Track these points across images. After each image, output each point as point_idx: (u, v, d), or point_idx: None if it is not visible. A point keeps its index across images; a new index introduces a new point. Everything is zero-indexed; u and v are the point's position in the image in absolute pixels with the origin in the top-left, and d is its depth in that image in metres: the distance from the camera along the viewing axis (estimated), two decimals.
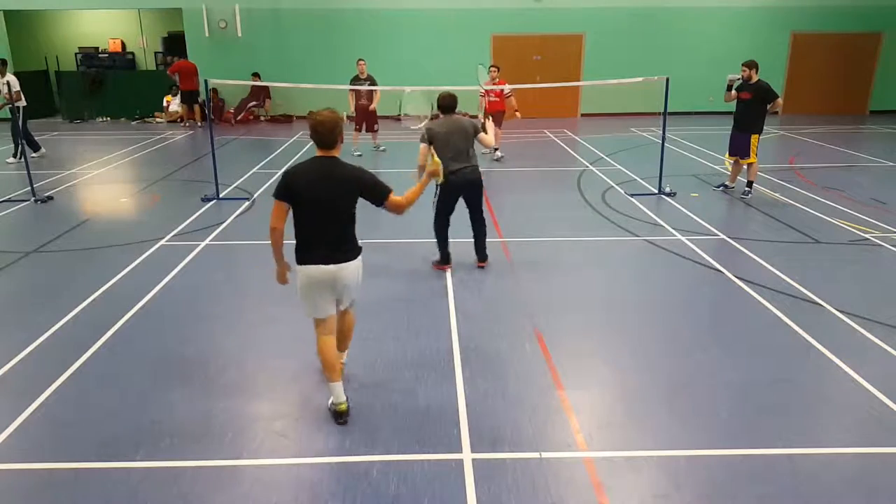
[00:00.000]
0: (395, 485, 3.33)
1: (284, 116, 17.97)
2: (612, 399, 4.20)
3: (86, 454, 3.59)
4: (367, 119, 12.63)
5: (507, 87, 11.76)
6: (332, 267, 3.79)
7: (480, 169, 6.20)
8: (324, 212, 3.75)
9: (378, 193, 3.81)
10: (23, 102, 11.23)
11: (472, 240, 6.37)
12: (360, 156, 12.36)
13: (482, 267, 6.33)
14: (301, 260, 3.82)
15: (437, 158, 4.35)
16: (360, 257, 3.92)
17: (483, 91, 11.35)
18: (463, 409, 3.99)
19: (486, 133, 6.28)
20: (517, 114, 11.85)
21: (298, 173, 3.75)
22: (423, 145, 5.96)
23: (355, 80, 12.47)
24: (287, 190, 3.72)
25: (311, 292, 3.86)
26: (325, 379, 4.01)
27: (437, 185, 6.04)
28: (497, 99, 11.72)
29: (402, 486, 3.32)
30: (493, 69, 11.91)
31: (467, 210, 6.26)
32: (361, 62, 12.52)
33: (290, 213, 3.79)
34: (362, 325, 4.44)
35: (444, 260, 6.31)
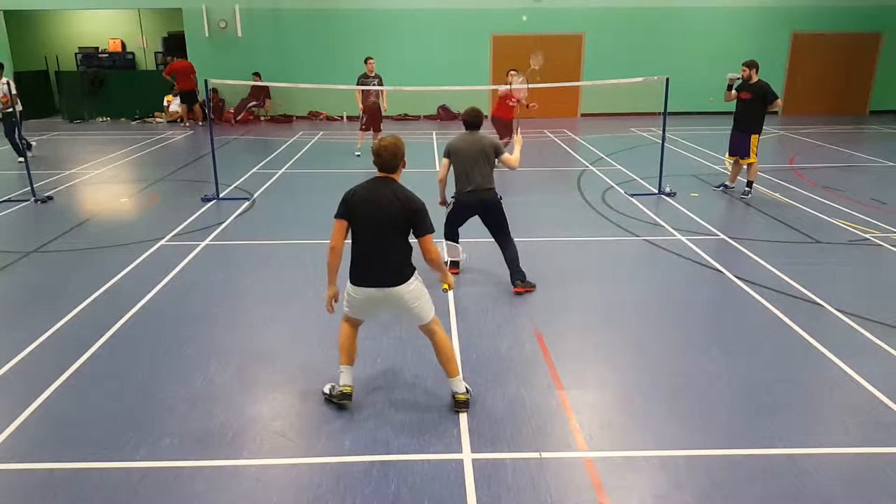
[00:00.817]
0: (395, 485, 3.33)
1: (284, 116, 17.98)
2: (612, 399, 4.20)
3: (86, 454, 3.59)
4: (375, 119, 12.46)
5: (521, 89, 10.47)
6: (374, 291, 3.83)
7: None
8: (373, 231, 3.78)
9: (419, 226, 3.81)
10: (19, 107, 11.18)
11: (499, 252, 5.96)
12: (359, 155, 12.35)
13: (520, 293, 5.76)
14: (350, 278, 3.89)
15: (449, 280, 4.11)
16: (412, 280, 3.85)
17: (508, 92, 10.34)
18: None
19: (512, 153, 5.86)
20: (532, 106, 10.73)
21: (357, 192, 3.83)
22: (444, 160, 5.86)
23: (363, 78, 12.22)
24: (345, 206, 3.80)
25: (352, 302, 3.95)
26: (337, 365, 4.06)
27: (450, 202, 5.99)
28: (515, 104, 10.54)
29: (402, 486, 3.32)
30: (512, 73, 10.65)
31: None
32: (370, 60, 12.30)
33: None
34: (362, 325, 4.43)
35: (452, 265, 6.03)
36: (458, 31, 17.62)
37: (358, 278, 3.84)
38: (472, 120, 5.87)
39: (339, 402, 3.99)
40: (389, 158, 3.79)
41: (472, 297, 5.73)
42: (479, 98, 17.80)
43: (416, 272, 3.91)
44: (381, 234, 3.78)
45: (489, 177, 5.80)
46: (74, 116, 18.34)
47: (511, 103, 10.62)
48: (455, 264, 6.13)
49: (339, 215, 3.81)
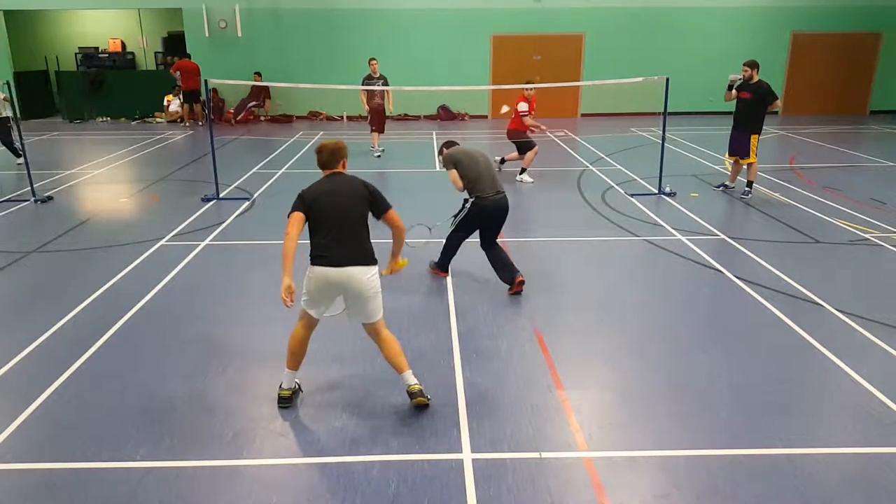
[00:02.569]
0: (395, 485, 3.33)
1: (284, 116, 17.98)
2: (612, 399, 4.20)
3: (86, 454, 3.59)
4: (379, 119, 12.44)
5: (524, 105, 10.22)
6: (334, 271, 3.86)
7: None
8: (337, 216, 3.93)
9: (381, 204, 4.06)
10: (8, 111, 11.15)
11: (491, 264, 5.86)
12: (378, 156, 12.37)
13: (519, 293, 5.72)
14: (311, 261, 3.94)
15: (404, 261, 4.37)
16: (373, 268, 3.94)
17: (527, 110, 10.12)
18: (463, 409, 3.99)
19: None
20: (536, 127, 10.47)
21: (313, 188, 4.02)
22: (452, 171, 5.75)
23: (368, 79, 12.23)
24: (301, 201, 3.97)
25: (309, 287, 3.97)
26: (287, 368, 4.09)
27: (463, 205, 5.78)
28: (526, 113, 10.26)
29: (402, 486, 3.32)
30: (530, 85, 10.54)
31: (479, 238, 5.92)
32: (374, 61, 12.30)
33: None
34: (361, 325, 4.43)
35: (444, 268, 6.13)
36: (458, 31, 17.61)
37: (319, 260, 3.88)
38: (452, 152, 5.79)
39: (280, 405, 4.03)
40: (328, 156, 4.06)
41: (472, 298, 5.73)
42: (479, 98, 17.88)
43: (377, 266, 3.98)
44: (344, 219, 3.93)
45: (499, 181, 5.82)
46: (74, 116, 18.34)
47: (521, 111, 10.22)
48: (446, 269, 6.09)
49: (296, 208, 3.93)
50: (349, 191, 4.02)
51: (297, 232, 3.88)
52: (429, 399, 3.97)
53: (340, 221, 3.93)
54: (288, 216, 3.92)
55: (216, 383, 4.34)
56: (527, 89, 10.36)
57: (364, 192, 4.03)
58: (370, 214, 4.05)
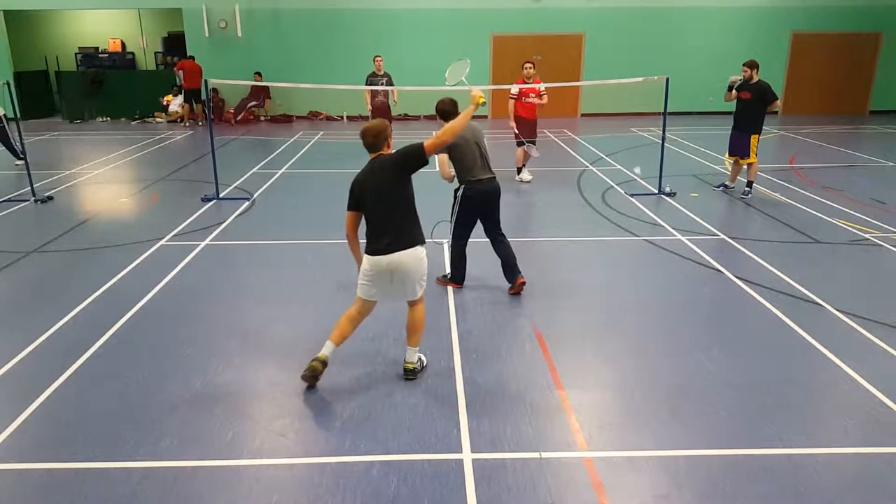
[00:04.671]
0: (395, 485, 3.33)
1: (284, 116, 17.98)
2: (612, 399, 4.20)
3: (86, 454, 3.59)
4: (384, 118, 12.36)
5: (543, 86, 9.85)
6: (384, 258, 4.11)
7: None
8: (378, 200, 4.14)
9: (413, 151, 4.11)
10: (1, 111, 11.13)
11: (500, 261, 5.77)
12: None
13: (519, 293, 5.70)
14: (365, 251, 4.23)
15: (476, 91, 4.35)
16: (420, 248, 4.19)
17: (518, 93, 9.68)
18: (463, 409, 3.99)
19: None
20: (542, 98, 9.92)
21: (357, 178, 4.23)
22: (440, 156, 5.49)
23: (372, 77, 12.13)
24: (351, 197, 4.24)
25: (365, 276, 4.21)
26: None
27: (455, 199, 5.64)
28: (536, 99, 9.82)
29: (402, 486, 3.32)
30: (528, 65, 9.90)
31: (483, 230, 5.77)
32: (378, 58, 12.20)
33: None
34: (362, 325, 4.43)
35: (458, 280, 5.87)
36: (458, 31, 17.60)
37: (369, 248, 4.17)
38: (451, 108, 5.42)
39: (309, 365, 4.16)
40: (373, 139, 4.15)
41: (472, 298, 5.73)
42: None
43: (424, 246, 4.23)
44: (384, 205, 4.12)
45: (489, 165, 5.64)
46: (74, 116, 18.34)
47: (530, 100, 9.79)
48: (459, 279, 5.88)
49: (349, 208, 4.26)
50: (384, 172, 4.12)
51: (352, 231, 4.30)
52: (412, 377, 4.30)
53: (381, 209, 4.13)
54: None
55: (216, 383, 4.34)
56: (525, 68, 9.79)
57: (397, 163, 4.12)
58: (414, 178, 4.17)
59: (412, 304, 4.34)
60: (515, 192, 9.64)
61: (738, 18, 17.92)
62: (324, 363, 4.17)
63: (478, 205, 5.62)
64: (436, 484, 3.34)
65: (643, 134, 15.10)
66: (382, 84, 12.01)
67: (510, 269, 5.74)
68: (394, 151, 4.20)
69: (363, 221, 4.28)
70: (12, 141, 10.95)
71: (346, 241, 4.41)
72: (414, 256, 4.14)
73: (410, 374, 4.32)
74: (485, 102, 4.34)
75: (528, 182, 10.16)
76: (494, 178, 5.68)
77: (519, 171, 10.24)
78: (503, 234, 5.82)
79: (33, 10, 18.60)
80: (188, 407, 4.05)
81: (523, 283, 5.70)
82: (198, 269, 6.48)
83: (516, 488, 3.31)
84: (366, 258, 4.18)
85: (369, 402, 4.08)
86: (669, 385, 4.31)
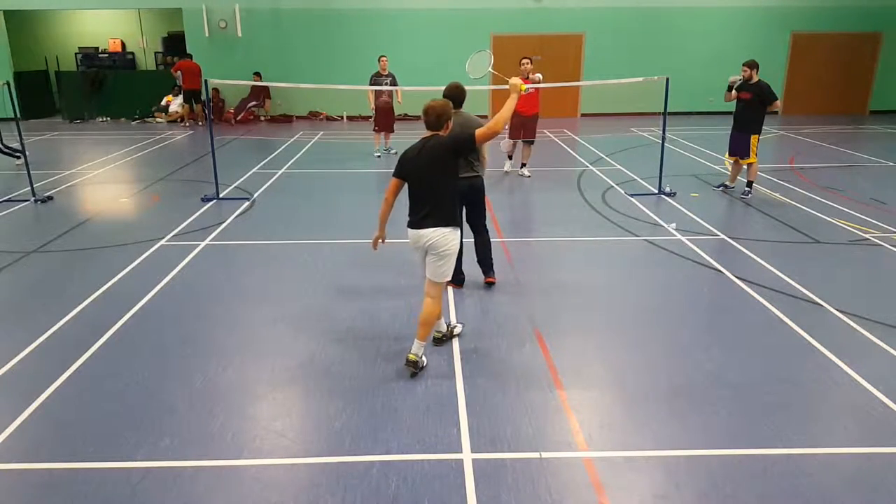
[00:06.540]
0: (395, 485, 3.33)
1: (284, 116, 17.98)
2: (612, 399, 4.20)
3: (86, 454, 3.59)
4: (387, 118, 12.24)
5: (539, 76, 9.72)
6: (414, 232, 4.32)
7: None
8: (418, 177, 4.31)
9: (469, 138, 4.24)
10: None
11: (475, 254, 5.89)
12: (379, 157, 12.32)
13: (491, 283, 5.86)
14: (407, 223, 4.42)
15: (515, 80, 4.51)
16: (448, 230, 4.28)
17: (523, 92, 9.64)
18: (463, 409, 3.99)
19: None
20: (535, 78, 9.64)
21: (408, 150, 4.40)
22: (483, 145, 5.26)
23: (376, 76, 12.06)
24: (399, 165, 4.39)
25: (412, 247, 4.42)
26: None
27: None
28: (532, 85, 9.58)
29: (402, 486, 3.32)
30: (525, 60, 9.92)
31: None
32: (384, 58, 12.11)
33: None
34: (361, 325, 4.44)
35: (457, 280, 5.82)
36: (459, 31, 17.59)
37: (409, 222, 4.37)
38: (457, 94, 5.28)
39: (407, 365, 4.36)
40: (435, 119, 4.27)
41: (472, 297, 5.73)
42: (479, 98, 17.86)
43: (455, 230, 4.33)
44: (423, 182, 4.28)
45: (478, 165, 5.56)
46: (74, 116, 18.33)
47: (528, 86, 9.26)
48: (459, 281, 5.85)
49: (394, 174, 4.39)
50: (434, 152, 4.25)
51: (393, 196, 4.40)
52: (415, 371, 4.33)
53: (420, 184, 4.30)
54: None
55: (216, 383, 4.34)
56: (522, 63, 9.79)
57: (449, 147, 4.24)
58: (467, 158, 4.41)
59: (430, 290, 4.41)
60: (516, 192, 9.64)
61: (738, 18, 17.92)
62: (415, 362, 4.34)
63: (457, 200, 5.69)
64: (436, 484, 3.34)
65: (643, 134, 15.10)
66: (386, 84, 11.95)
67: (483, 263, 5.95)
68: (453, 136, 4.32)
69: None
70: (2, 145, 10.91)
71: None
72: (442, 234, 4.27)
73: (412, 366, 4.34)
74: (527, 89, 4.43)
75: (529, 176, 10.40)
76: (477, 175, 5.58)
77: (523, 165, 10.52)
78: (486, 230, 5.93)
79: (33, 10, 18.59)
80: (188, 407, 4.05)
81: (491, 283, 5.87)
82: (198, 269, 6.48)
83: (516, 488, 3.31)
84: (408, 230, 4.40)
85: (369, 402, 4.08)
86: (669, 385, 4.31)
